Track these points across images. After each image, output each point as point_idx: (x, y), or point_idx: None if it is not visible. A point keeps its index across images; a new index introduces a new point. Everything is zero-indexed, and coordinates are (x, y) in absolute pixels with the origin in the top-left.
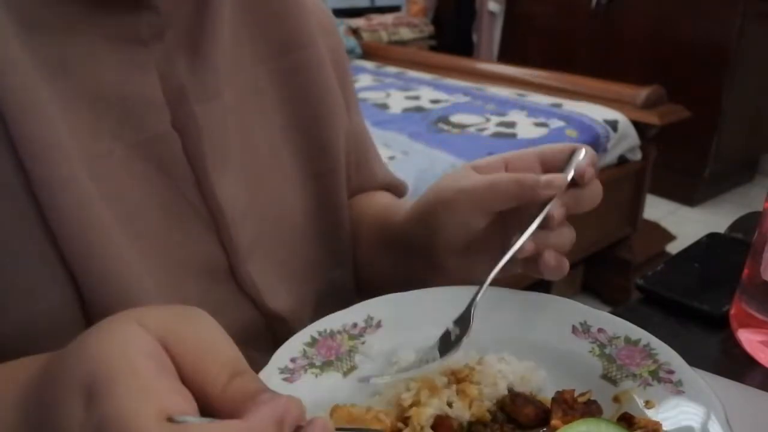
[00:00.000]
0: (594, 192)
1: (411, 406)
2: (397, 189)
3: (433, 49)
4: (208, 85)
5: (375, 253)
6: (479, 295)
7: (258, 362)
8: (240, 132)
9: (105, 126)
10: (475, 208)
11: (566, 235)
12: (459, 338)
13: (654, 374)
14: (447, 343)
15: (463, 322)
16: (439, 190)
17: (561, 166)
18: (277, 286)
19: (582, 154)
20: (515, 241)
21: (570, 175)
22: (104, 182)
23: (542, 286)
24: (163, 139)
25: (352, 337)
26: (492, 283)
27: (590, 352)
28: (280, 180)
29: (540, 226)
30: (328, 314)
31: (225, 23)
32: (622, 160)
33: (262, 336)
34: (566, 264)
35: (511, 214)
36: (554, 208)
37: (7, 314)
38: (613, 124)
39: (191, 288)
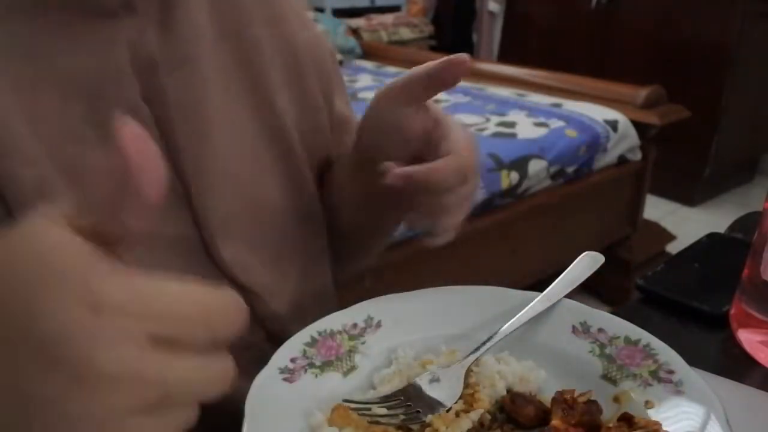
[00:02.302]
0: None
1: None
2: None
3: (433, 49)
4: (177, 55)
5: (345, 181)
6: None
7: (247, 340)
8: (210, 107)
9: (77, 105)
10: (402, 95)
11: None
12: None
13: (654, 374)
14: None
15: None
16: (372, 100)
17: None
18: (251, 261)
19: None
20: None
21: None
22: (77, 161)
23: (542, 286)
24: (133, 111)
25: (352, 337)
26: (491, 283)
27: (590, 352)
28: (251, 157)
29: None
30: (310, 290)
31: None
32: (622, 160)
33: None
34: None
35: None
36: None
37: None
38: (613, 124)
39: (168, 261)
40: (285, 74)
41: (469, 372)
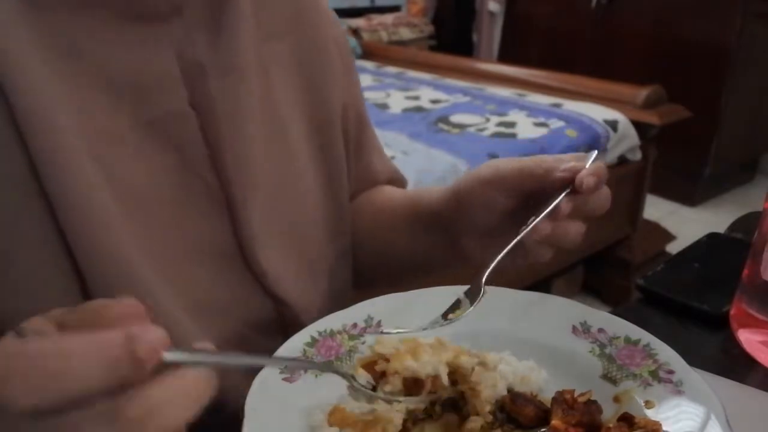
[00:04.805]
0: (601, 198)
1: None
2: (399, 184)
3: (433, 49)
4: (225, 61)
5: (398, 233)
6: (490, 269)
7: (267, 348)
8: (254, 117)
9: (122, 107)
10: (507, 187)
11: (571, 229)
12: (469, 305)
13: (654, 374)
14: (456, 311)
15: (474, 291)
16: (477, 171)
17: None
18: (285, 269)
19: (591, 158)
20: (524, 228)
21: (588, 164)
22: (117, 164)
23: (542, 286)
24: (180, 117)
25: (352, 337)
26: (491, 283)
27: (590, 352)
28: (291, 156)
29: (550, 218)
30: (333, 302)
31: None
32: (622, 160)
33: (271, 321)
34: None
35: (530, 211)
36: (563, 202)
37: (7, 300)
38: (613, 124)
39: (200, 271)
40: (330, 77)
41: (469, 372)
